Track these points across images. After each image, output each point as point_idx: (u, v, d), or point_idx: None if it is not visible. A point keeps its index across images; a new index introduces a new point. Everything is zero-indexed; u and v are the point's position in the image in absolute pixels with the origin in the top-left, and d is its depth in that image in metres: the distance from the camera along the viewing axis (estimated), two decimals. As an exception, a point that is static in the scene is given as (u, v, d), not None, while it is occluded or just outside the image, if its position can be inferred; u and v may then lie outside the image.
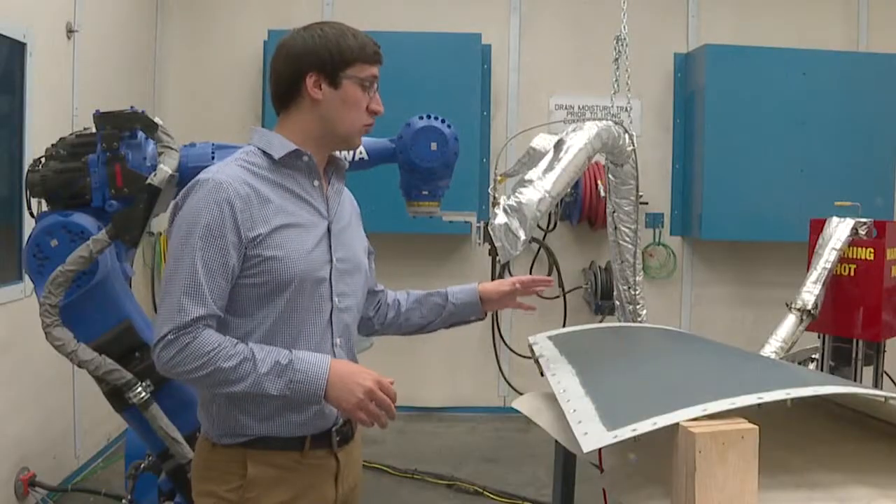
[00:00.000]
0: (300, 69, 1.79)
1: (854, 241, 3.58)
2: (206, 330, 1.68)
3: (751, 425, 1.52)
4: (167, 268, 1.73)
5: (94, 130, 2.70)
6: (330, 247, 1.84)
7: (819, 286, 3.55)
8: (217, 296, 1.70)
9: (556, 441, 2.27)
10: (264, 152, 1.81)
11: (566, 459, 2.50)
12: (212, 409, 1.80)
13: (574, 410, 1.88)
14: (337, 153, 1.95)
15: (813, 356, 3.74)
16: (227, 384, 1.68)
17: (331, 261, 1.83)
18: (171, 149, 2.71)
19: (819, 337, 3.74)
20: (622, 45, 4.63)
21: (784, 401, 1.64)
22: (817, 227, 3.69)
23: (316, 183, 1.85)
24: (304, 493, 1.81)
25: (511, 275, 5.81)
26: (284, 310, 1.76)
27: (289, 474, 1.79)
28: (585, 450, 1.68)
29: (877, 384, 3.62)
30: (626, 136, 3.64)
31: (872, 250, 3.54)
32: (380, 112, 1.86)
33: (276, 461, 1.78)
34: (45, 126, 3.84)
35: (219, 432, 1.80)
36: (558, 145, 3.25)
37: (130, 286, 2.91)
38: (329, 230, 1.85)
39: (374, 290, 2.14)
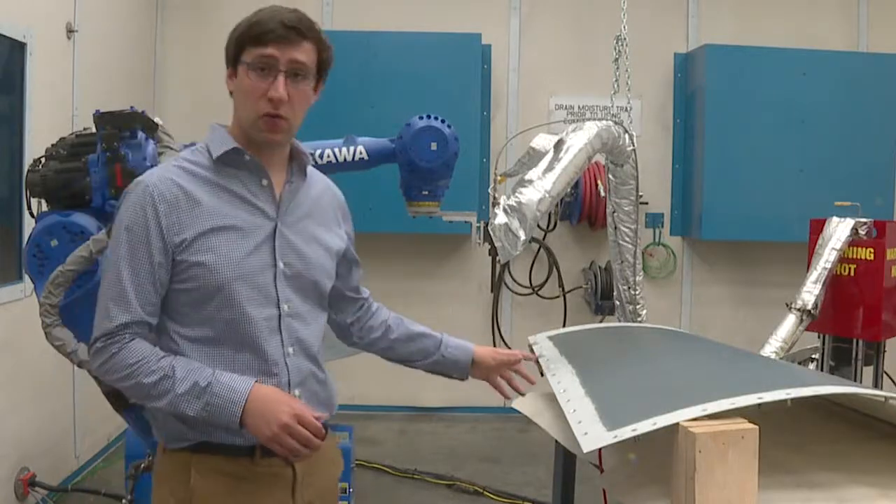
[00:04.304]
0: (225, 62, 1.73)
1: (854, 241, 3.58)
2: (134, 340, 1.63)
3: (751, 425, 1.52)
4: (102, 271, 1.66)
5: (94, 130, 2.70)
6: (274, 250, 1.72)
7: (819, 286, 3.55)
8: (144, 301, 1.64)
9: (556, 441, 2.28)
10: (210, 150, 1.73)
11: (566, 459, 2.51)
12: (156, 412, 1.71)
13: (574, 410, 1.88)
14: (298, 146, 1.81)
15: (813, 356, 3.74)
16: (149, 399, 1.62)
17: (275, 265, 1.72)
18: (171, 149, 2.70)
19: (819, 337, 3.74)
20: (622, 45, 4.62)
21: (784, 401, 1.64)
22: (817, 227, 3.69)
23: (264, 182, 1.73)
24: None
25: (511, 274, 5.82)
26: (224, 317, 1.66)
27: (239, 483, 1.68)
28: (585, 450, 1.68)
29: (877, 384, 3.62)
30: (626, 136, 3.64)
31: (872, 250, 3.54)
32: (275, 98, 1.65)
33: (225, 468, 1.68)
34: (45, 126, 3.84)
35: (164, 436, 1.73)
36: (558, 145, 3.25)
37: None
38: (275, 232, 1.73)
39: (353, 296, 2.02)
